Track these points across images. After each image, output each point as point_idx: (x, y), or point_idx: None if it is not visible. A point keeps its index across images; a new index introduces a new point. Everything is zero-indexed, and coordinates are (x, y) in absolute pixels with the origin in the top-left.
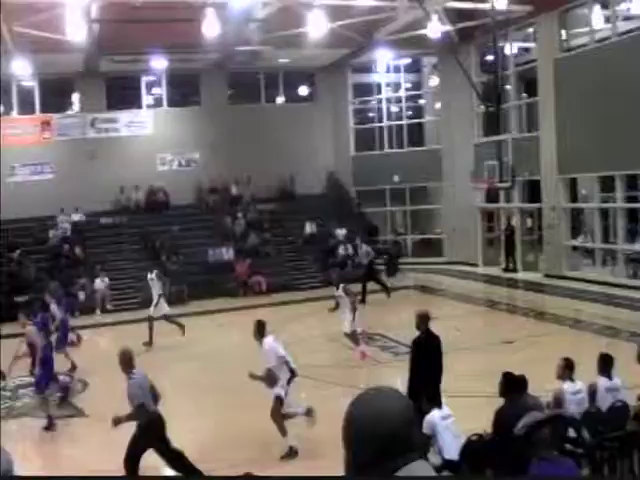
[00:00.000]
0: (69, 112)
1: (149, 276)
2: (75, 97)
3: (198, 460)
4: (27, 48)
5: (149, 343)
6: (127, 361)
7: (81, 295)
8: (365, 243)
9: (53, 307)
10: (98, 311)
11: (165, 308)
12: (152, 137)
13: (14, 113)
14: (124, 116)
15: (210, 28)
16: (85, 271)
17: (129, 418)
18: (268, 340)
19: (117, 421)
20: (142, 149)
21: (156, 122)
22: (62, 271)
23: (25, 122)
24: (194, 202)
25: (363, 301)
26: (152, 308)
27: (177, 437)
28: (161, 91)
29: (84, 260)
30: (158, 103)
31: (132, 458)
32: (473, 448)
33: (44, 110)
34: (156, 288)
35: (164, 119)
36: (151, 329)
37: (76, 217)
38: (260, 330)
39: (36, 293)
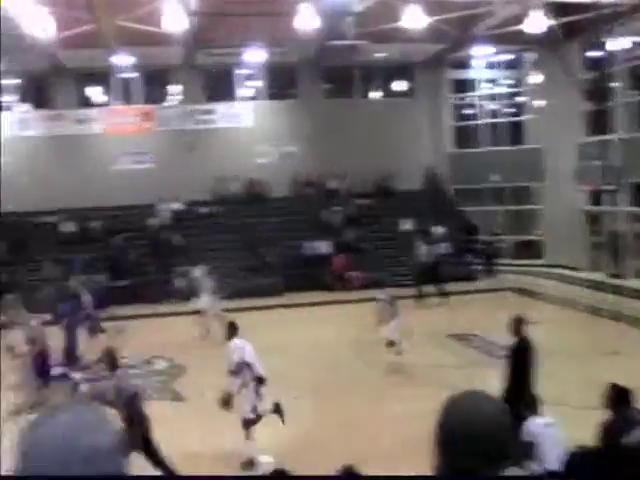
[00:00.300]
0: (168, 103)
1: (196, 273)
2: (174, 89)
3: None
4: (129, 41)
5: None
6: (112, 360)
7: (179, 283)
8: (428, 243)
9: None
10: (195, 299)
11: (208, 304)
12: (251, 129)
13: (117, 104)
14: (221, 108)
15: (306, 22)
16: (184, 259)
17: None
18: (236, 342)
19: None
20: (241, 141)
21: (255, 114)
22: (161, 258)
23: (127, 112)
24: (291, 194)
25: (442, 297)
26: (203, 303)
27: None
28: (259, 84)
29: (183, 248)
30: (257, 96)
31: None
32: (578, 460)
33: (145, 101)
34: (206, 284)
35: (263, 112)
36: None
37: (175, 206)
38: (230, 332)
39: (136, 278)
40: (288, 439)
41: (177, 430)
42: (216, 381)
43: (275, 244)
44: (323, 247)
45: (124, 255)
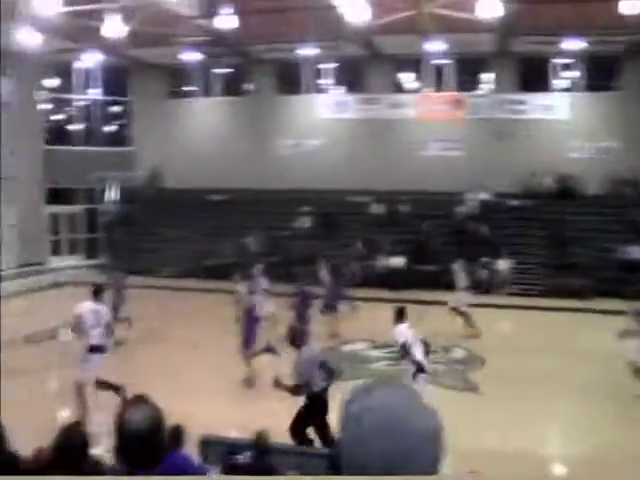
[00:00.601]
0: (480, 91)
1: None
2: (486, 77)
3: None
4: (443, 28)
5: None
6: (295, 337)
7: (483, 274)
8: None
9: (322, 274)
10: (497, 292)
11: (461, 299)
12: (565, 122)
13: (429, 90)
14: (534, 98)
15: (631, 7)
16: (489, 251)
17: (289, 390)
18: (401, 327)
19: (277, 384)
20: (553, 133)
21: (571, 107)
22: (466, 247)
23: (439, 99)
24: (605, 193)
25: None
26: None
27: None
28: (576, 75)
29: (488, 240)
30: (572, 87)
31: (296, 431)
32: None
33: (457, 88)
34: (461, 278)
35: (579, 104)
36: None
37: (483, 196)
38: (398, 317)
39: (441, 265)
40: None
41: (473, 423)
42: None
43: (586, 244)
44: (637, 252)
45: (429, 241)
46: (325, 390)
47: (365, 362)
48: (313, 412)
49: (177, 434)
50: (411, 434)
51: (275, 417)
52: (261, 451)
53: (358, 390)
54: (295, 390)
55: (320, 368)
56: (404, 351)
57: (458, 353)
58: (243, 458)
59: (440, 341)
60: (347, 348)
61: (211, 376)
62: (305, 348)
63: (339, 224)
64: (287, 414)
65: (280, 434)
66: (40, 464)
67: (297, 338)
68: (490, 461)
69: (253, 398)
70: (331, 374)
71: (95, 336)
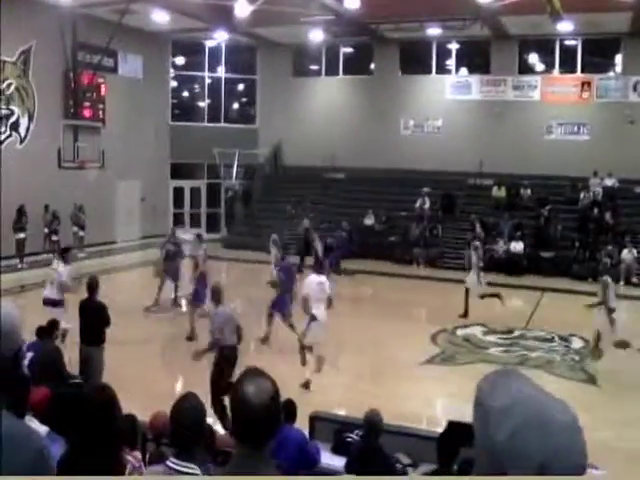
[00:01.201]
0: (610, 74)
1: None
2: (618, 58)
3: None
4: (574, 7)
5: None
6: (217, 296)
7: (607, 263)
8: None
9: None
10: (621, 282)
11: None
12: None
13: (555, 72)
14: None
15: None
16: (613, 239)
17: (207, 350)
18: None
19: (197, 355)
20: None
21: None
22: (588, 234)
23: (566, 81)
24: None
25: None
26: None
27: None
28: None
29: (613, 227)
30: None
31: (215, 396)
32: None
33: (585, 70)
34: (474, 259)
35: None
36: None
37: (609, 182)
38: None
39: (559, 251)
40: None
41: (588, 417)
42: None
43: None
44: None
45: (550, 226)
46: (235, 348)
47: (480, 347)
48: (225, 366)
49: (290, 409)
50: (561, 427)
51: (393, 397)
52: (372, 431)
53: (493, 382)
54: (210, 346)
55: (232, 326)
56: None
57: (576, 343)
58: (354, 437)
59: (559, 330)
60: (461, 332)
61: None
62: (222, 306)
63: (459, 206)
64: (405, 396)
65: (392, 415)
66: (156, 430)
67: (219, 296)
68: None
69: (368, 378)
70: (239, 335)
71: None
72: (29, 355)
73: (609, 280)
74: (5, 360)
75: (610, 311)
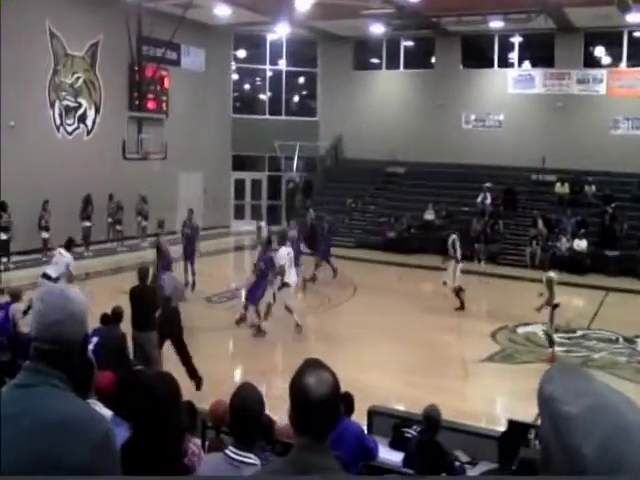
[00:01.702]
0: None
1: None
2: None
3: None
4: None
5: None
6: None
7: None
8: None
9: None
10: None
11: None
12: None
13: (622, 65)
14: None
15: None
16: None
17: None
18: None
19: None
20: None
21: None
22: None
23: (634, 75)
24: None
25: None
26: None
27: None
28: None
29: None
30: None
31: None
32: None
33: None
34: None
35: None
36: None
37: None
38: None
39: (625, 250)
40: None
41: None
42: None
43: None
44: None
45: (616, 224)
46: (176, 310)
47: (541, 346)
48: (168, 324)
49: (348, 402)
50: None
51: (451, 394)
52: (430, 427)
53: (563, 383)
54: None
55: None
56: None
57: None
58: (413, 432)
59: (624, 331)
60: (522, 330)
61: (389, 347)
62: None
63: (521, 202)
64: (464, 393)
65: (451, 412)
66: (216, 418)
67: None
68: None
69: (427, 374)
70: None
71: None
72: (94, 340)
73: None
74: (73, 344)
75: None
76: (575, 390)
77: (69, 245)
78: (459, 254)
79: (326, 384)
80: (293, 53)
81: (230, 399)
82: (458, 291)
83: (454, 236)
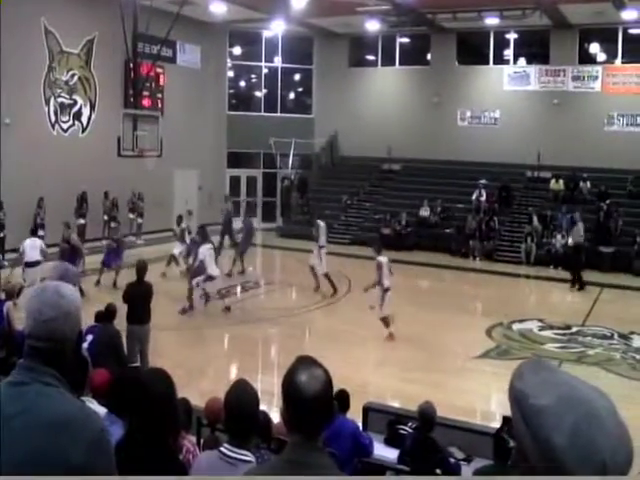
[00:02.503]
0: None
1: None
2: None
3: None
4: None
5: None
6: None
7: None
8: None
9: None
10: None
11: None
12: None
13: (617, 61)
14: None
15: None
16: None
17: None
18: None
19: None
20: None
21: None
22: None
23: (629, 71)
24: None
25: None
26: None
27: None
28: None
29: None
30: None
31: None
32: None
33: None
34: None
35: None
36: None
37: None
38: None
39: (619, 246)
40: None
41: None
42: None
43: None
44: None
45: (611, 220)
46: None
47: (536, 343)
48: None
49: (344, 399)
50: (609, 414)
51: (446, 390)
52: (425, 423)
53: (529, 377)
54: None
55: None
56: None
57: (637, 341)
58: (408, 429)
59: (619, 327)
60: (517, 327)
61: (384, 344)
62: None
63: (516, 199)
64: (459, 389)
65: (446, 409)
66: (211, 415)
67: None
68: None
69: (422, 370)
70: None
71: None
72: (89, 338)
73: None
74: (67, 341)
75: None
76: (544, 383)
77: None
78: (322, 240)
79: (319, 381)
80: (289, 50)
81: (225, 396)
82: (327, 276)
83: (318, 221)
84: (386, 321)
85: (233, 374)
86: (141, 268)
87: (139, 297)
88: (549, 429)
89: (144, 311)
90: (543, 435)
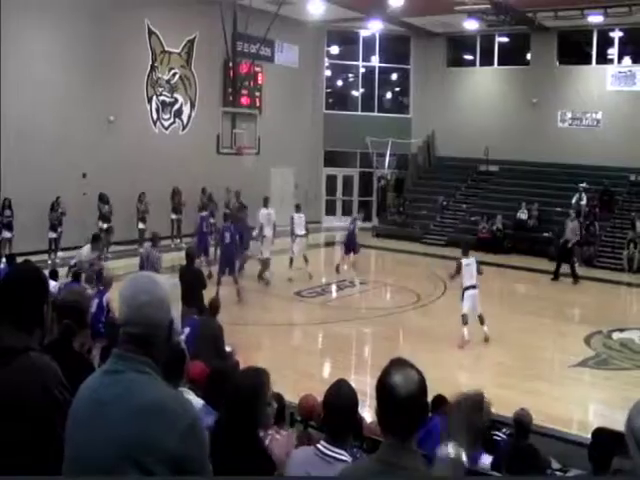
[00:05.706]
0: None
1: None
2: None
3: None
4: None
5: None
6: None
7: None
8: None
9: None
10: None
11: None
12: None
13: None
14: None
15: None
16: None
17: None
18: None
19: None
20: None
21: None
22: None
23: None
24: None
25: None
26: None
27: None
28: None
29: None
30: None
31: None
32: None
33: None
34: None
35: None
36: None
37: None
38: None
39: None
40: None
41: None
42: None
43: None
44: None
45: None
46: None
47: (637, 353)
48: None
49: (440, 404)
50: None
51: (542, 398)
52: (520, 431)
53: None
54: None
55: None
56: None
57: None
58: (501, 435)
59: None
60: (618, 336)
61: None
62: None
63: (618, 204)
64: (554, 398)
65: (541, 416)
66: (305, 412)
67: None
68: None
69: (518, 376)
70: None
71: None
72: (186, 330)
73: None
74: (160, 328)
75: None
76: None
77: (154, 240)
78: (299, 231)
79: (412, 382)
80: (386, 49)
81: (325, 394)
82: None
83: (293, 214)
84: (464, 319)
85: (326, 372)
86: (189, 254)
87: (186, 280)
88: None
89: (189, 294)
90: None
